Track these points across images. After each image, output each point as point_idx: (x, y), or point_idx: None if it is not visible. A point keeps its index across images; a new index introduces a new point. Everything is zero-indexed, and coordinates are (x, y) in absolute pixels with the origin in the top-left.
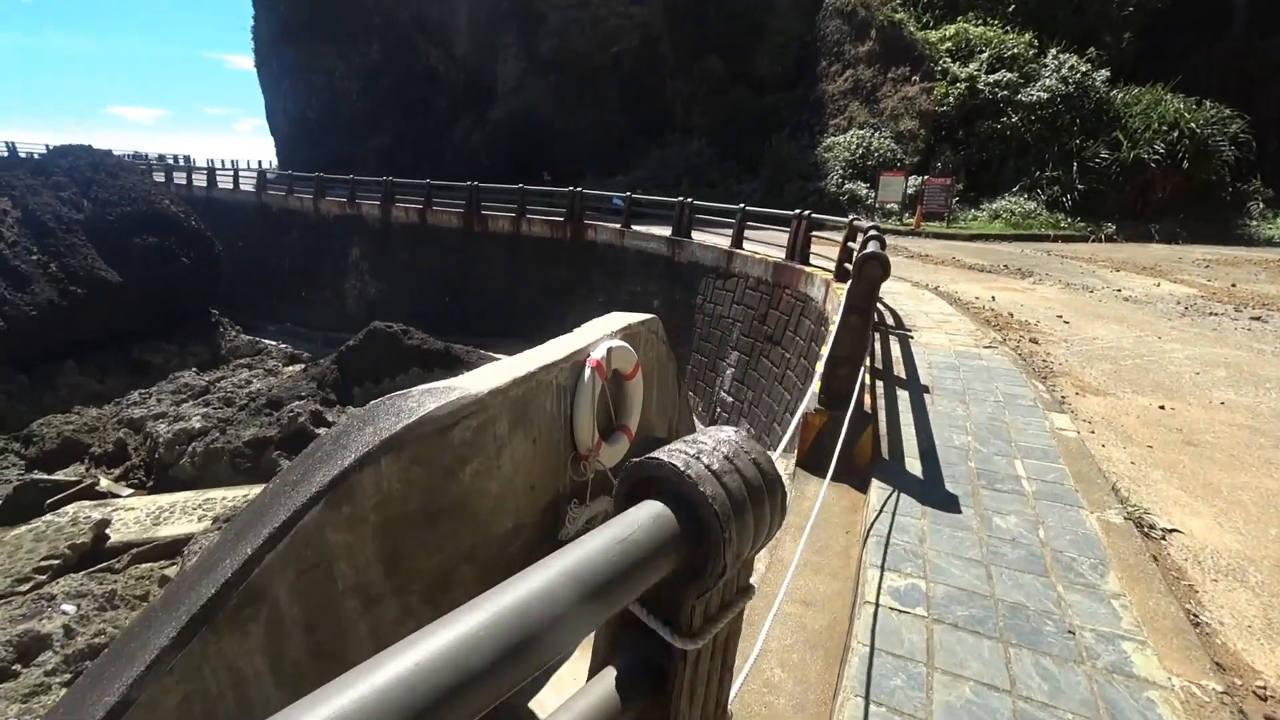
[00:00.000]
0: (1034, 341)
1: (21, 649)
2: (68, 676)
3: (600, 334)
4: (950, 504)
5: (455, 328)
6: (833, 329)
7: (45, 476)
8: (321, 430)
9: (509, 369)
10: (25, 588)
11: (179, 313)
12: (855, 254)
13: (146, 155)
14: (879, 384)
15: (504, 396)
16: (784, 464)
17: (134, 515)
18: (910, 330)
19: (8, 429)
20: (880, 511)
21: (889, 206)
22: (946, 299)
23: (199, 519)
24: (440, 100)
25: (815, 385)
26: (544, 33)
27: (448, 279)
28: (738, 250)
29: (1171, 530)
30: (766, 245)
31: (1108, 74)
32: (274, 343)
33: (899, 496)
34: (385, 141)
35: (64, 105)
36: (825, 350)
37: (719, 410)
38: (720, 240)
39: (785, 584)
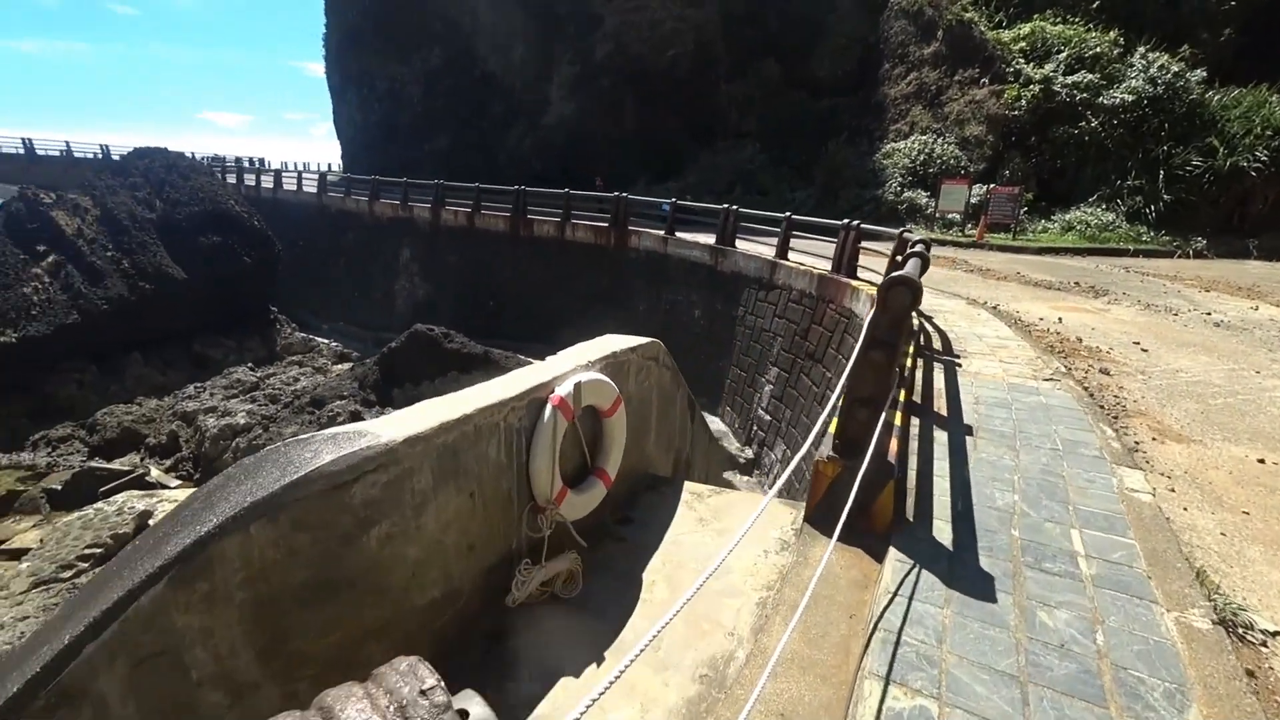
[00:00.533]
0: (1104, 373)
1: None
2: None
3: (570, 365)
4: (983, 588)
5: (498, 331)
6: (850, 363)
7: (102, 465)
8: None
9: (437, 411)
10: (68, 574)
11: (239, 309)
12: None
13: (224, 158)
14: (914, 421)
15: (426, 445)
16: (790, 516)
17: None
18: (959, 356)
19: (77, 416)
20: (894, 594)
21: (950, 216)
22: (1005, 319)
23: None
24: (496, 105)
25: (831, 426)
26: (599, 37)
27: (493, 282)
28: (782, 261)
29: (1276, 634)
30: (813, 256)
31: (1203, 74)
32: (326, 341)
33: (920, 574)
34: (443, 145)
35: (161, 111)
36: (841, 384)
37: (755, 428)
38: (765, 250)
39: (761, 684)
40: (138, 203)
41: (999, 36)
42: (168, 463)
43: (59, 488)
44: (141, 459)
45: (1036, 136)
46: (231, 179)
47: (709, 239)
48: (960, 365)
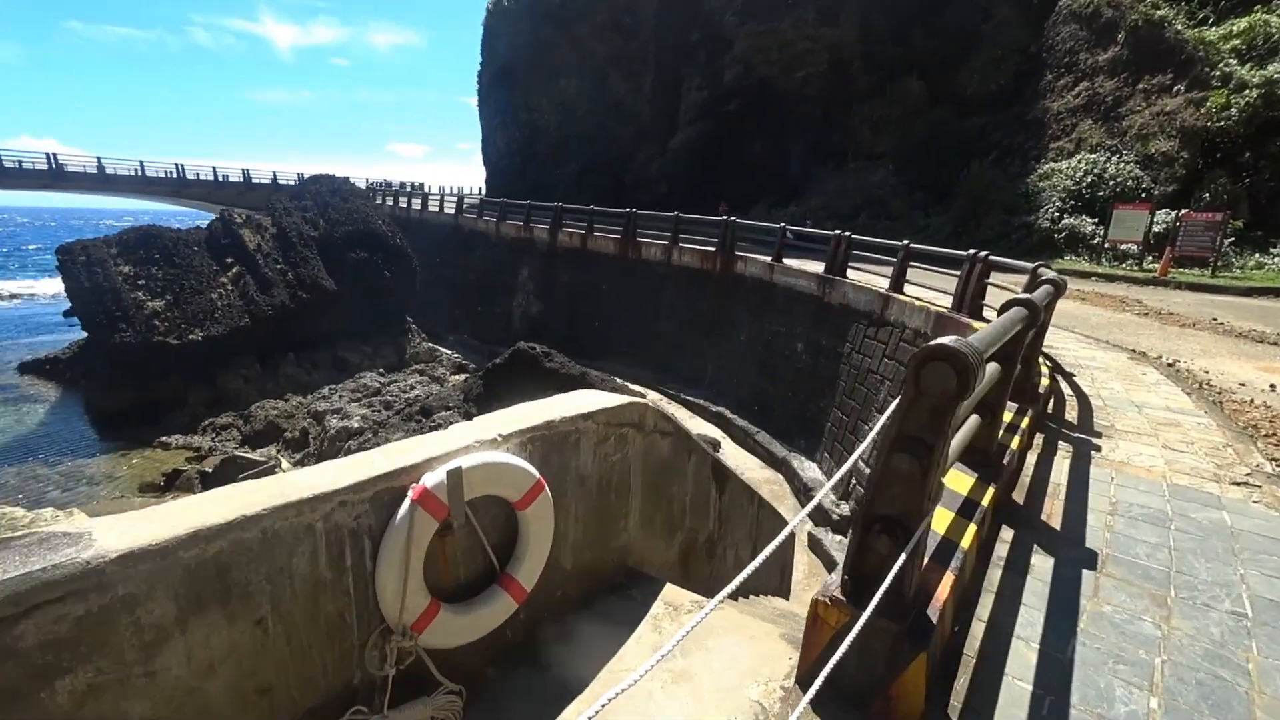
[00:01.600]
0: None
1: None
2: None
3: (462, 441)
4: None
5: (602, 353)
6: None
7: (244, 454)
8: None
9: (199, 512)
10: None
11: (378, 318)
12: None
13: (389, 182)
14: (1003, 537)
15: (161, 563)
16: (790, 659)
17: None
18: (1099, 435)
19: (238, 407)
20: None
21: (1124, 247)
22: (1183, 383)
23: None
24: (624, 131)
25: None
26: (729, 60)
27: (600, 304)
28: (896, 295)
29: None
30: (932, 291)
31: None
32: (449, 352)
33: None
34: (573, 170)
35: (358, 144)
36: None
37: (854, 481)
38: (879, 281)
39: None
40: (305, 222)
41: (1201, 35)
42: (298, 456)
43: (210, 470)
44: (278, 451)
45: (1252, 152)
46: (390, 201)
47: (818, 267)
48: (1099, 449)
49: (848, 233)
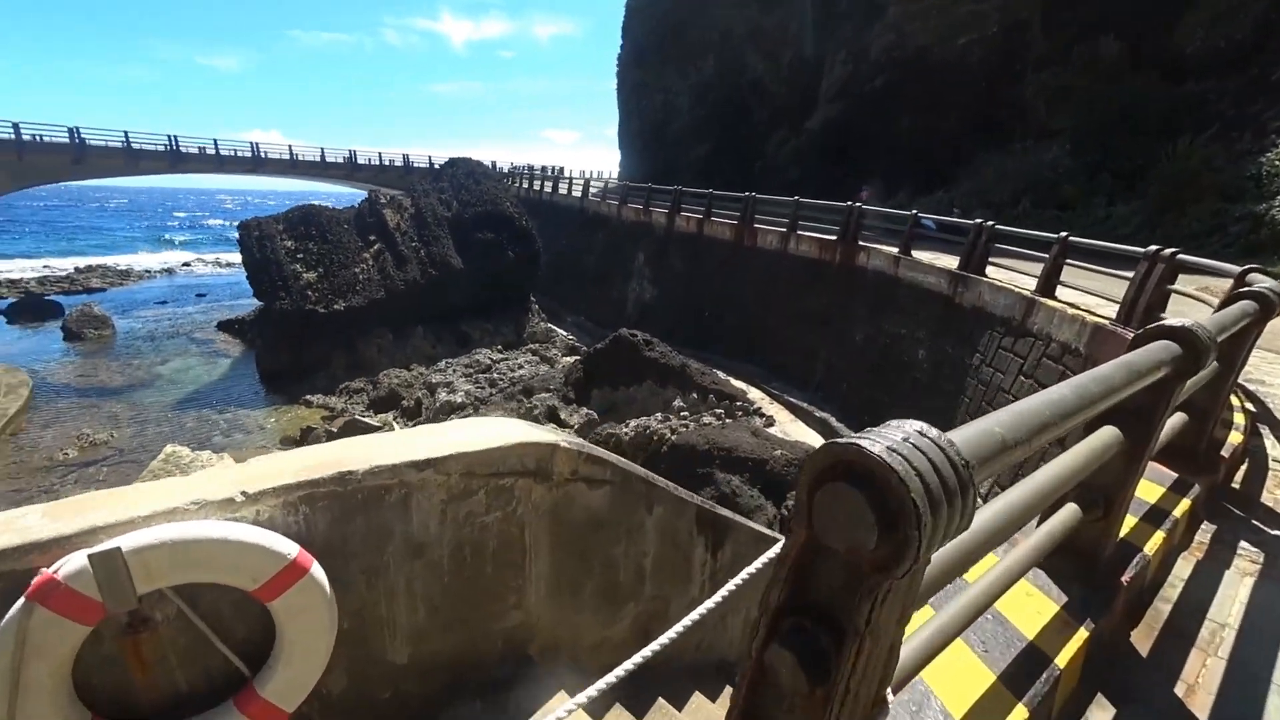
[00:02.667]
0: None
1: None
2: None
3: (162, 504)
4: None
5: (708, 344)
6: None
7: (365, 419)
8: (552, 426)
9: None
10: None
11: (501, 297)
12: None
13: (531, 166)
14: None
15: None
16: None
17: None
18: None
19: (371, 373)
20: None
21: None
22: None
23: None
24: (760, 111)
25: None
26: (879, 29)
27: (711, 292)
28: (1044, 299)
29: None
30: (1095, 298)
31: None
32: (564, 333)
33: None
34: (704, 153)
35: (515, 131)
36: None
37: None
38: (1024, 282)
39: None
40: (440, 203)
41: None
42: (410, 424)
43: (335, 431)
44: (395, 418)
45: None
46: (525, 183)
47: (952, 262)
48: None
49: (990, 222)
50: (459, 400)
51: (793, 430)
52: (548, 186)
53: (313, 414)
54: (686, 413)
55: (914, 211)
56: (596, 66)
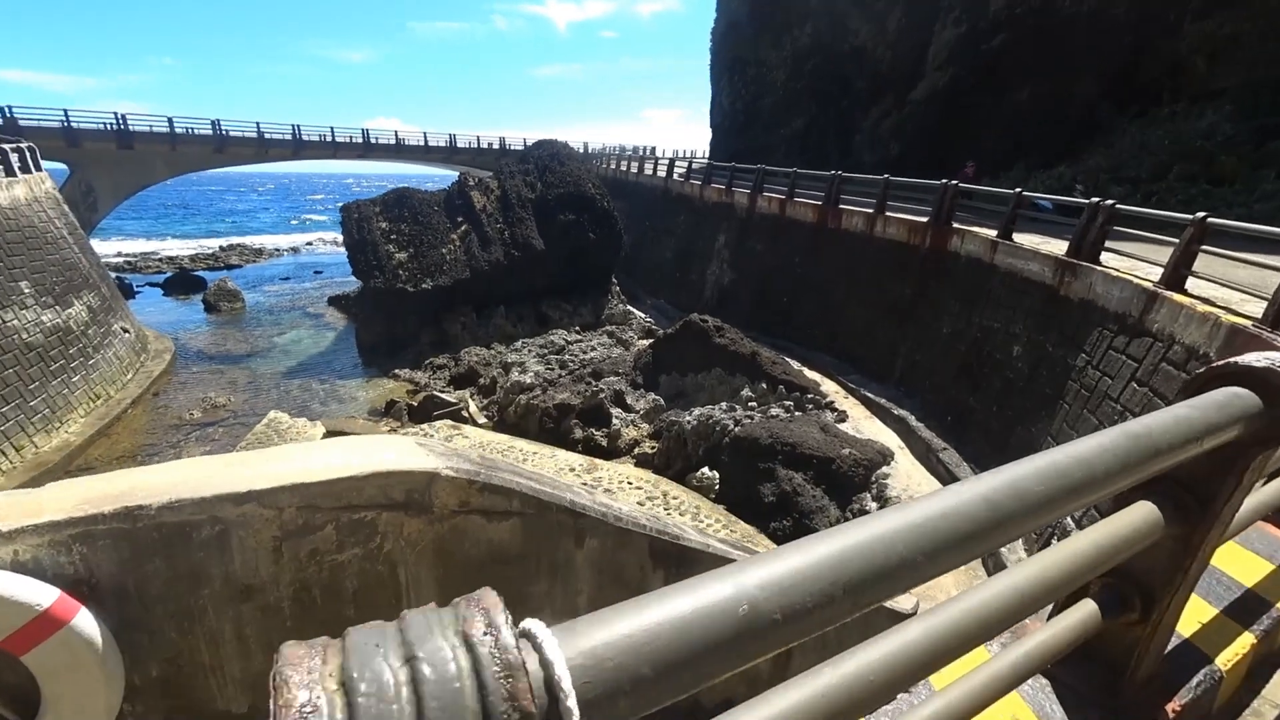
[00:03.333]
0: None
1: None
2: None
3: None
4: None
5: (784, 332)
6: None
7: (442, 395)
8: (617, 411)
9: None
10: None
11: (581, 278)
12: None
13: (624, 146)
14: None
15: None
16: None
17: (467, 443)
18: None
19: (454, 350)
20: None
21: None
22: None
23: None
24: (859, 82)
25: None
26: None
27: (790, 277)
28: (1169, 293)
29: None
30: (1237, 292)
31: None
32: (643, 316)
33: None
34: (798, 128)
35: (617, 111)
36: None
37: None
38: (1147, 272)
39: None
40: (525, 185)
41: None
42: (484, 402)
43: (415, 404)
44: (471, 395)
45: None
46: (613, 164)
47: (1060, 247)
48: None
49: (1108, 201)
50: (528, 380)
51: (866, 428)
52: (633, 167)
53: (399, 387)
54: (755, 403)
55: (1017, 190)
56: (698, 43)
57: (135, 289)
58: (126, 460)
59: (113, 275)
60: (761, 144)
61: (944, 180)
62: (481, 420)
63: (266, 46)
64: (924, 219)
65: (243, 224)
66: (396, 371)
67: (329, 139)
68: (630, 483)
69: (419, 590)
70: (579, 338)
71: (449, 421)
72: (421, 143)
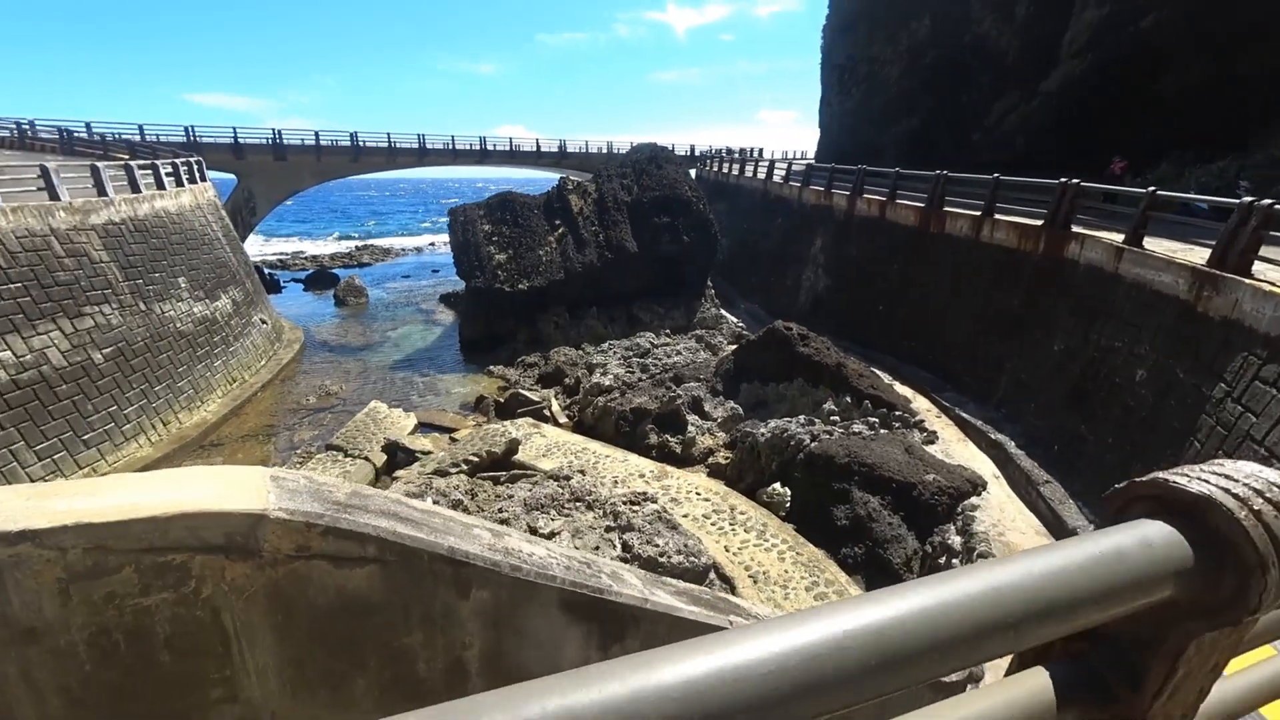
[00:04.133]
0: None
1: None
2: None
3: None
4: None
5: (878, 343)
6: None
7: (526, 392)
8: (694, 418)
9: None
10: (454, 470)
11: (673, 281)
12: None
13: (730, 149)
14: None
15: None
16: None
17: (544, 442)
18: None
19: (546, 349)
20: None
21: None
22: None
23: (565, 462)
24: (983, 74)
25: None
26: None
27: (888, 284)
28: None
29: None
30: None
31: None
32: (735, 320)
33: None
34: (912, 126)
35: (732, 113)
36: None
37: None
38: None
39: None
40: (621, 188)
41: None
42: (567, 402)
43: (501, 401)
44: (555, 394)
45: None
46: (716, 166)
47: (1201, 256)
48: None
49: (1267, 201)
50: (607, 383)
51: (958, 452)
52: (734, 169)
53: (492, 384)
54: (837, 417)
55: (1150, 189)
56: (815, 42)
57: (281, 284)
58: (251, 438)
59: (266, 271)
60: (871, 144)
61: (1062, 179)
62: (563, 420)
63: (408, 63)
64: (1038, 222)
65: (383, 221)
66: (491, 368)
67: (450, 147)
68: (698, 493)
69: (251, 638)
70: (666, 341)
71: (530, 420)
72: (534, 148)
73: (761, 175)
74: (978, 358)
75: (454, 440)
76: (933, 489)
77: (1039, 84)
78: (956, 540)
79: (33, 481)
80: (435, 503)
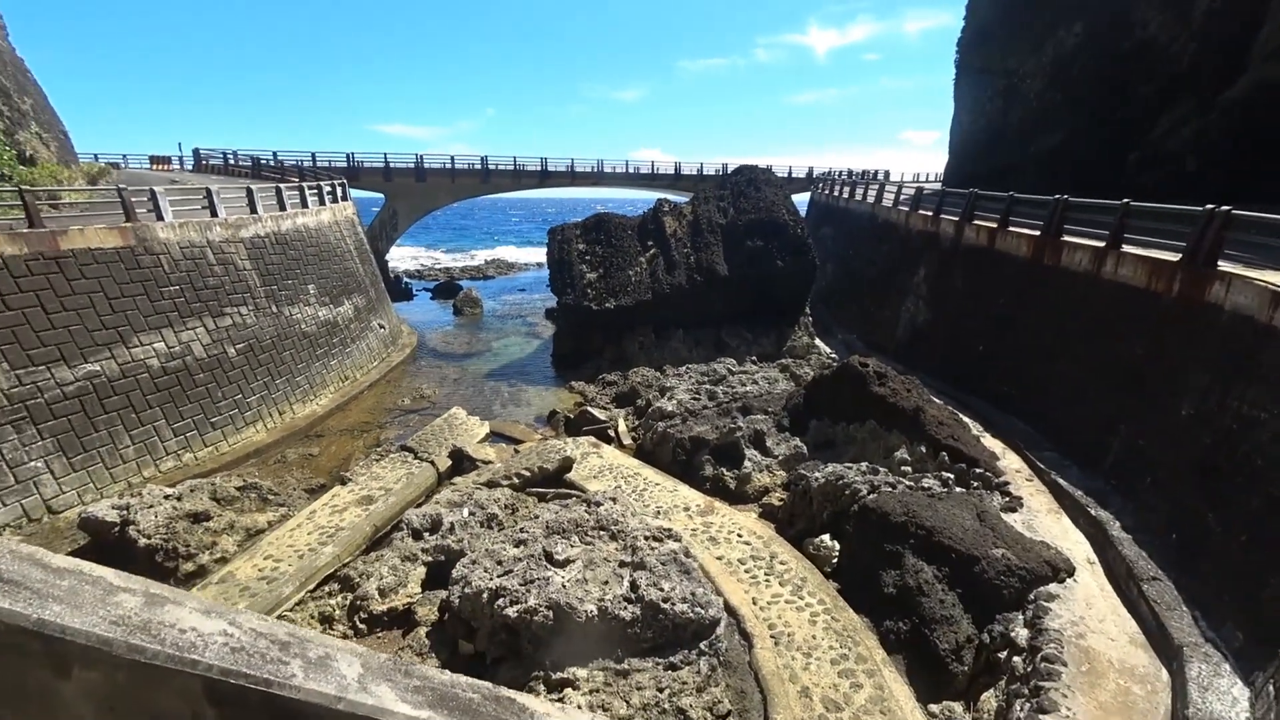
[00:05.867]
0: None
1: (431, 522)
2: (427, 560)
3: None
4: None
5: (976, 386)
6: None
7: (594, 410)
8: (753, 453)
9: None
10: (505, 482)
11: (764, 307)
12: None
13: (851, 171)
14: None
15: None
16: None
17: (599, 463)
18: None
19: (627, 367)
20: None
21: None
22: None
23: (615, 485)
24: (1145, 85)
25: None
26: None
27: (991, 321)
28: None
29: None
30: None
31: None
32: (828, 351)
33: None
34: (1053, 144)
35: (871, 134)
36: None
37: None
38: None
39: None
40: (718, 211)
41: None
42: (635, 423)
43: (571, 417)
44: (625, 415)
45: None
46: (827, 190)
47: None
48: None
49: None
50: (669, 409)
51: (1045, 526)
52: (844, 192)
53: (571, 399)
54: (909, 468)
55: None
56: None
57: (414, 292)
58: (347, 433)
59: (404, 280)
60: (1006, 166)
61: (1210, 206)
62: (628, 441)
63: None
64: (1174, 257)
65: (525, 236)
66: (573, 384)
67: (569, 169)
68: (740, 535)
69: None
70: (748, 369)
71: (592, 439)
72: (650, 170)
73: (871, 199)
74: (1087, 414)
75: (516, 453)
76: (1000, 566)
77: (1219, 93)
78: (1022, 634)
79: (167, 455)
80: (471, 513)
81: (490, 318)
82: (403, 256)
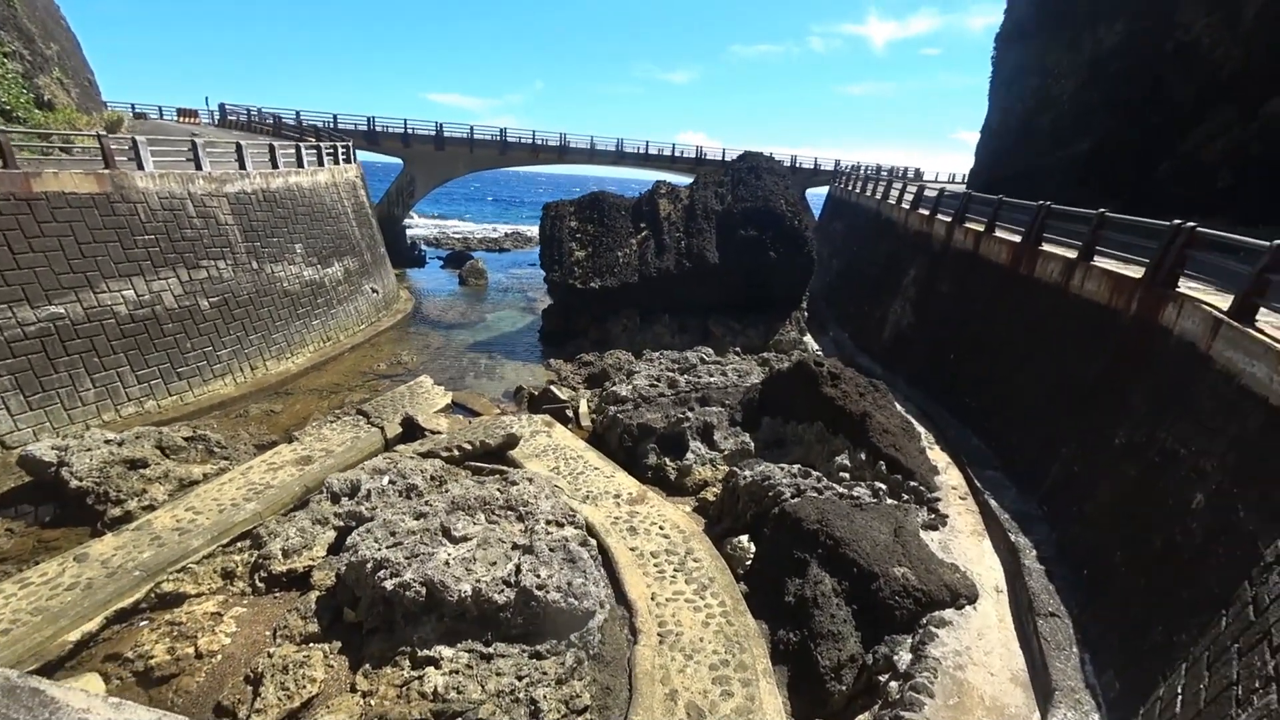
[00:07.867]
0: None
1: (350, 486)
2: (338, 524)
3: None
4: None
5: (943, 393)
6: None
7: (556, 390)
8: (698, 445)
9: None
10: (445, 454)
11: (760, 298)
12: None
13: (880, 166)
14: None
15: None
16: None
17: (546, 442)
18: None
19: (606, 348)
20: None
21: None
22: None
23: (556, 467)
24: (1183, 90)
25: None
26: None
27: (965, 329)
28: None
29: None
30: None
31: None
32: (816, 348)
33: None
34: (1081, 150)
35: (922, 131)
36: None
37: None
38: None
39: None
40: (715, 197)
41: None
42: (594, 404)
43: (535, 395)
44: (590, 396)
45: None
46: (842, 184)
47: None
48: None
49: None
50: (623, 394)
51: (961, 547)
52: (856, 186)
53: (545, 375)
54: (848, 474)
55: (1277, 242)
56: None
57: (426, 259)
58: (315, 392)
59: (420, 247)
60: (1031, 169)
61: (1177, 222)
62: (587, 423)
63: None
64: (1137, 273)
65: (527, 214)
66: (550, 361)
67: (588, 147)
68: (661, 528)
69: None
70: (725, 360)
71: (546, 418)
72: (669, 153)
73: (879, 195)
74: (1034, 433)
75: (469, 425)
76: (896, 586)
77: (1263, 104)
78: (905, 659)
79: (129, 401)
80: (391, 482)
81: (493, 290)
82: (426, 224)
